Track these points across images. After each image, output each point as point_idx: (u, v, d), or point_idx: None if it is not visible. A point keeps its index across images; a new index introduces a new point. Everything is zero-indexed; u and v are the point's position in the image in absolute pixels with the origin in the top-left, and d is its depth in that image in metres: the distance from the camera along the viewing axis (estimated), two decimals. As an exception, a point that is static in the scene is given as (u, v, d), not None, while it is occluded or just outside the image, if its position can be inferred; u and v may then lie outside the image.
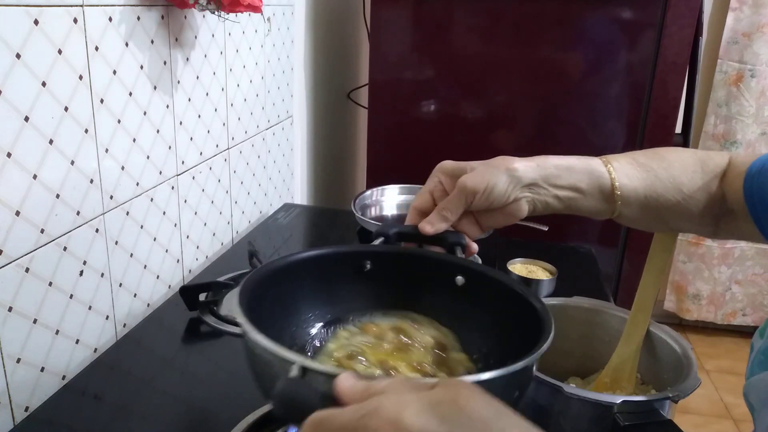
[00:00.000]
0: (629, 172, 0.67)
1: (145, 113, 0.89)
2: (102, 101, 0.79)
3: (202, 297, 0.95)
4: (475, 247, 0.72)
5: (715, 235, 0.70)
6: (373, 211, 1.29)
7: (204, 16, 1.02)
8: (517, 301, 0.63)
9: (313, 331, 0.69)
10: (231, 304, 0.95)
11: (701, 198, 0.66)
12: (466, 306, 0.69)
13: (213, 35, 1.06)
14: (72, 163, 0.75)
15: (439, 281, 0.70)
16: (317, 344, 0.68)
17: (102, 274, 0.84)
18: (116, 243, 0.86)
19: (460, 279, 0.69)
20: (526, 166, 0.66)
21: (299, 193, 1.67)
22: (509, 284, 0.66)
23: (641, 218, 0.68)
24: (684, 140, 1.57)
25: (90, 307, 0.82)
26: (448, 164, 0.70)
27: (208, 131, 1.09)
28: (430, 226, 0.70)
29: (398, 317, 0.70)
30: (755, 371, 0.62)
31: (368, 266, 0.71)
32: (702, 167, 0.67)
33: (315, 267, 0.68)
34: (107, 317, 0.86)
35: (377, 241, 0.73)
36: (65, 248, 0.76)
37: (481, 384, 0.45)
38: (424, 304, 0.72)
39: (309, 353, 0.66)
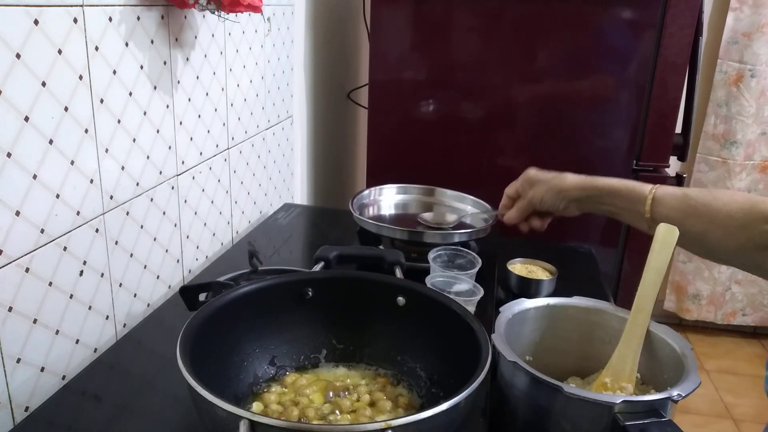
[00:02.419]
0: (670, 206, 0.77)
1: (145, 113, 0.89)
2: (102, 101, 0.79)
3: (202, 297, 0.95)
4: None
5: (759, 271, 0.74)
6: (371, 211, 1.29)
7: (204, 16, 1.02)
8: (457, 321, 0.64)
9: (260, 363, 0.70)
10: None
11: (737, 222, 0.72)
12: (410, 325, 0.70)
13: (213, 35, 1.06)
14: (72, 163, 0.75)
15: (381, 303, 0.72)
16: (263, 378, 0.70)
17: (102, 274, 0.84)
18: (116, 243, 0.86)
19: (401, 300, 0.71)
20: (573, 187, 0.89)
21: (299, 193, 1.67)
22: (448, 304, 0.66)
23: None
24: (684, 140, 1.57)
25: (90, 307, 0.82)
26: (530, 173, 0.96)
27: (208, 131, 1.09)
28: (511, 219, 0.99)
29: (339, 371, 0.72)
30: None
31: (310, 293, 0.72)
32: (749, 211, 0.71)
33: (255, 300, 0.69)
34: (107, 317, 0.86)
35: (317, 267, 0.74)
36: (65, 248, 0.76)
37: (420, 422, 0.48)
38: (368, 326, 0.73)
39: (256, 389, 0.68)
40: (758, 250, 0.71)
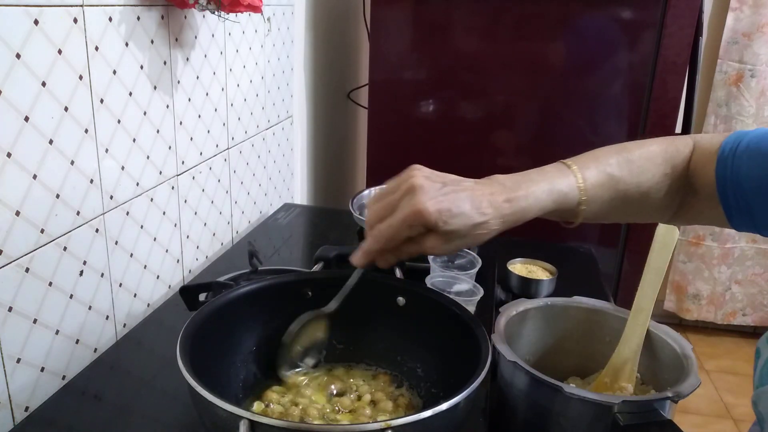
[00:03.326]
0: (597, 196, 0.64)
1: (145, 113, 0.89)
2: (102, 101, 0.79)
3: (202, 297, 0.95)
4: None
5: (671, 220, 0.71)
6: (373, 211, 1.28)
7: (204, 16, 1.02)
8: (457, 321, 0.64)
9: (260, 363, 0.70)
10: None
11: (661, 193, 0.67)
12: (410, 325, 0.70)
13: (213, 35, 1.06)
14: (72, 163, 0.75)
15: (381, 303, 0.71)
16: (263, 378, 0.69)
17: (102, 274, 0.83)
18: (116, 243, 0.86)
19: (401, 300, 0.70)
20: (501, 228, 0.62)
21: (299, 193, 1.67)
22: (448, 304, 0.66)
23: (593, 218, 0.68)
24: (684, 140, 1.57)
25: (90, 307, 0.82)
26: (428, 208, 0.61)
27: (208, 131, 1.09)
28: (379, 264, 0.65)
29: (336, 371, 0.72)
30: (765, 380, 0.62)
31: (310, 294, 0.72)
32: (672, 166, 0.67)
33: (255, 300, 0.69)
34: (107, 317, 0.86)
35: (317, 267, 0.73)
36: (65, 248, 0.76)
37: (420, 422, 0.47)
38: (368, 326, 0.73)
39: (256, 389, 0.68)
40: (674, 207, 0.69)
